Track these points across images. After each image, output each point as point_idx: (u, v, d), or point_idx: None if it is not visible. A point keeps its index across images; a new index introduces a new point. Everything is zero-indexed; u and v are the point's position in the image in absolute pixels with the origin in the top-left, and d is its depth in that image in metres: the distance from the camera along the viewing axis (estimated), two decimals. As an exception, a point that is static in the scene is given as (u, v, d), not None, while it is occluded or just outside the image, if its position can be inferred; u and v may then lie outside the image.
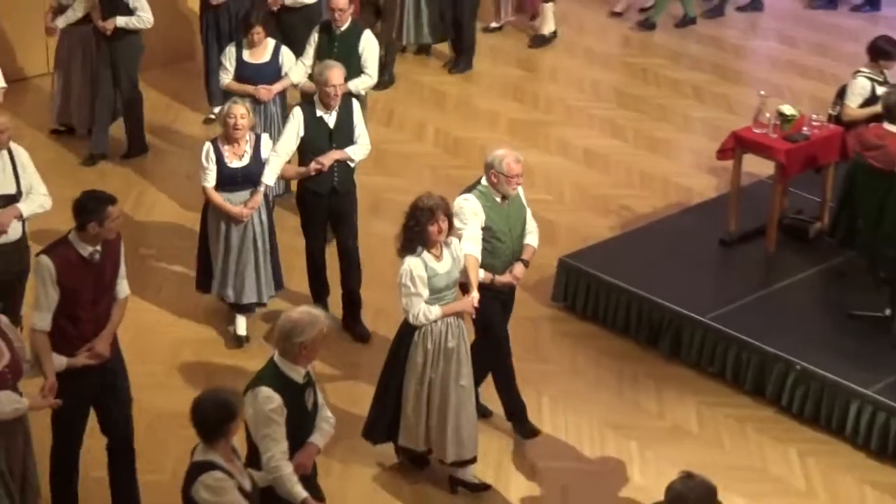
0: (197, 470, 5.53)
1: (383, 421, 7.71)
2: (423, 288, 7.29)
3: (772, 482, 8.28)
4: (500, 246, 7.87)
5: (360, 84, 10.11)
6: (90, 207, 6.75)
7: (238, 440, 5.83)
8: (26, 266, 7.97)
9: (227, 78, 10.15)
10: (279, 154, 8.83)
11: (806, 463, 8.42)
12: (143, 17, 11.23)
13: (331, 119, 8.86)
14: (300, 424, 6.20)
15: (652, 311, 9.48)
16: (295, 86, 10.48)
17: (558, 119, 12.83)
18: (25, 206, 7.98)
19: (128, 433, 7.30)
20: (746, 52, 14.55)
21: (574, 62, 14.30)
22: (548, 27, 14.80)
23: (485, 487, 7.95)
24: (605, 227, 10.59)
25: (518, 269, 8.01)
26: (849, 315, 9.29)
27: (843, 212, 9.56)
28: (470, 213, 7.65)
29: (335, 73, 8.76)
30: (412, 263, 7.29)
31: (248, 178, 8.69)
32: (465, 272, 7.61)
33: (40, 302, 6.73)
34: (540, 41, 14.80)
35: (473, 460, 7.85)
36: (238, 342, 9.12)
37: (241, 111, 8.59)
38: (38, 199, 8.08)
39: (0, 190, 7.85)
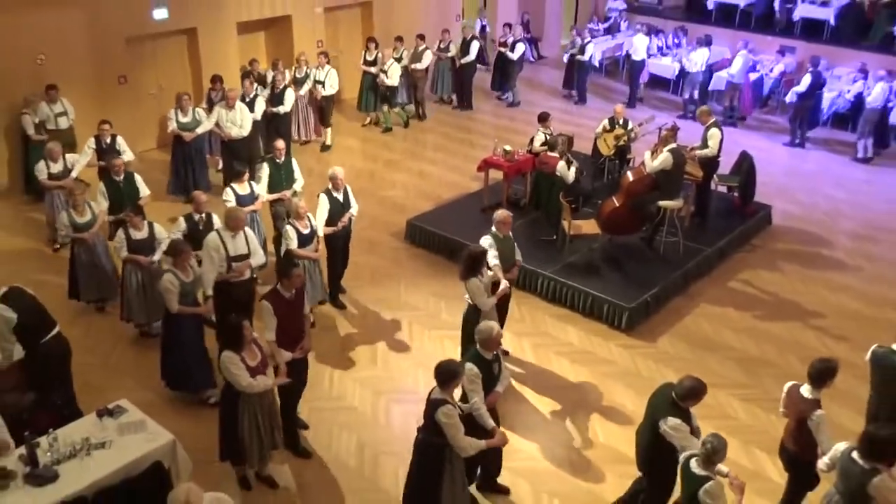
0: (436, 404, 5.08)
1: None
2: (484, 291, 6.70)
3: (513, 321, 8.20)
4: (504, 261, 7.17)
5: (299, 184, 8.95)
6: (281, 270, 6.16)
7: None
8: (253, 295, 7.40)
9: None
10: (321, 222, 8.00)
11: (521, 308, 8.54)
12: (128, 152, 9.53)
13: (340, 196, 8.10)
14: (490, 382, 5.65)
15: (449, 243, 9.50)
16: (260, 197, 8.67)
17: (403, 158, 12.41)
18: (254, 260, 7.26)
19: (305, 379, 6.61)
20: (487, 125, 14.04)
21: (410, 142, 13.15)
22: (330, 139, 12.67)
23: (505, 353, 7.39)
24: (428, 205, 10.54)
25: (514, 271, 7.33)
26: (538, 239, 9.40)
27: (535, 193, 9.64)
28: (489, 245, 7.08)
29: (341, 171, 8.12)
30: (475, 282, 6.66)
31: (310, 239, 7.77)
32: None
33: (267, 324, 6.07)
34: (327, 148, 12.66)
35: None
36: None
37: (302, 203, 7.78)
38: (259, 258, 7.33)
39: (238, 252, 7.15)
